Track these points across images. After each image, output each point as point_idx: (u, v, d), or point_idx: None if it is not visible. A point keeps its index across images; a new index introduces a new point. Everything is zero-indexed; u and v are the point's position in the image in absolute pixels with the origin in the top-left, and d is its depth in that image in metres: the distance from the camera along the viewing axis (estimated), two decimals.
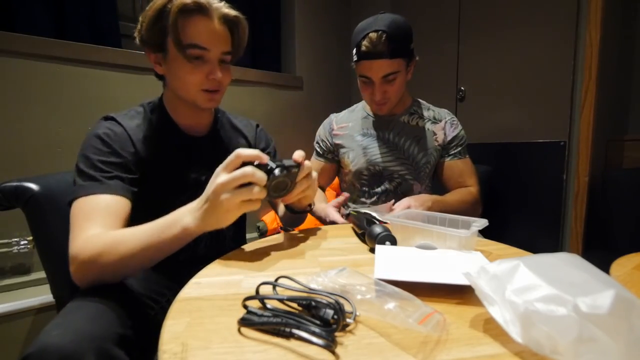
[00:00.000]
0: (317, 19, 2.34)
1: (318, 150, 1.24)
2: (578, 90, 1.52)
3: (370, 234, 0.62)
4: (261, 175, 0.57)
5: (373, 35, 0.96)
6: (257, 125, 1.00)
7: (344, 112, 1.25)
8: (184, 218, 0.58)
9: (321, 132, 1.24)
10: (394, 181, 1.11)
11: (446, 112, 1.17)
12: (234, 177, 0.56)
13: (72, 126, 1.41)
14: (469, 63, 1.84)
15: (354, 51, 1.01)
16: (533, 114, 1.64)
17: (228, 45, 0.79)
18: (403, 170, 1.11)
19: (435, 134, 1.13)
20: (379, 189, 1.12)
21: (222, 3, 0.78)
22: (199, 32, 0.74)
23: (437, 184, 1.18)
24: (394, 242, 0.61)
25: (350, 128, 1.19)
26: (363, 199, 1.15)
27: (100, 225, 0.62)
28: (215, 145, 0.88)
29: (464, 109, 1.86)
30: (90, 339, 0.47)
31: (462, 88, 1.85)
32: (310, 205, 0.82)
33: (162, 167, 0.79)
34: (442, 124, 1.14)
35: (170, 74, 0.79)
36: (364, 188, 1.15)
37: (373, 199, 1.13)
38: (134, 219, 0.66)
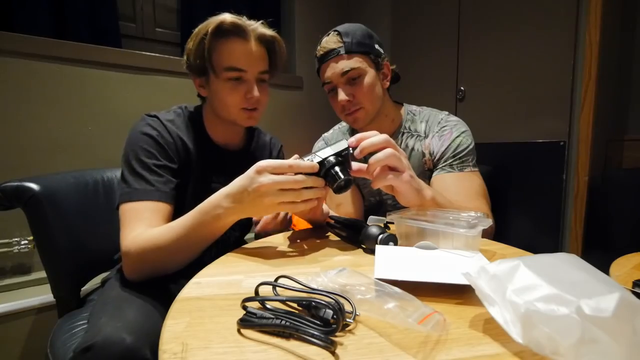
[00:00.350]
0: (317, 19, 2.34)
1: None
2: (578, 90, 1.52)
3: (369, 236, 0.62)
4: (315, 181, 0.61)
5: (326, 38, 0.94)
6: (281, 146, 1.06)
7: (335, 131, 1.13)
8: (221, 205, 0.62)
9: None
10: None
11: (439, 121, 0.98)
12: (281, 180, 0.58)
13: (72, 126, 1.41)
14: (469, 63, 1.84)
15: (316, 67, 0.98)
16: (533, 114, 1.64)
17: (265, 65, 0.82)
18: (399, 204, 0.91)
19: (424, 155, 0.97)
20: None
21: (258, 23, 0.81)
22: (236, 55, 0.77)
23: None
24: (395, 241, 0.61)
25: None
26: None
27: (149, 225, 0.67)
28: (248, 159, 0.84)
29: (464, 109, 1.86)
30: (147, 333, 0.51)
31: (462, 88, 1.85)
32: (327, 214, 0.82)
33: (198, 177, 0.83)
34: (428, 140, 0.96)
35: (212, 96, 0.83)
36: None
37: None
38: None
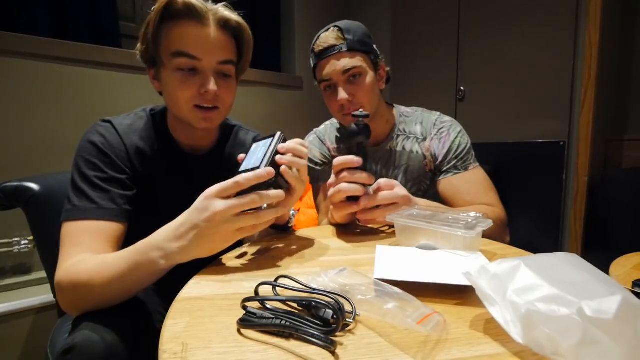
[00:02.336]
0: (317, 19, 2.34)
1: (315, 175, 1.05)
2: (578, 90, 1.53)
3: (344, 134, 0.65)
4: (276, 195, 0.53)
5: (325, 33, 0.89)
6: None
7: (327, 127, 1.09)
8: (163, 248, 0.51)
9: (315, 152, 1.06)
10: None
11: (433, 122, 0.98)
12: (237, 204, 0.50)
13: (72, 126, 1.42)
14: (469, 63, 1.84)
15: (311, 60, 0.93)
16: (533, 114, 1.65)
17: (228, 54, 0.69)
18: None
19: (424, 156, 0.97)
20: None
21: (220, 5, 0.69)
22: (187, 39, 0.65)
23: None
24: (366, 133, 0.66)
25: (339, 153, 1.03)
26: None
27: (87, 250, 0.58)
28: (216, 163, 0.81)
29: (464, 109, 1.86)
30: (129, 332, 0.50)
31: (462, 88, 1.85)
32: (288, 222, 0.76)
33: (160, 185, 0.73)
34: (428, 142, 0.97)
35: (163, 90, 0.71)
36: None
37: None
38: (129, 238, 0.62)
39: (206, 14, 0.66)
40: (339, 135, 1.06)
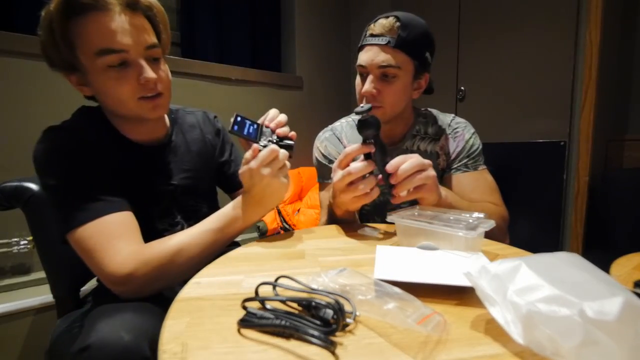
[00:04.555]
0: (317, 19, 2.34)
1: (327, 174, 1.01)
2: (578, 90, 1.52)
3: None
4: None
5: (384, 19, 0.84)
6: (215, 117, 0.93)
7: (342, 124, 1.07)
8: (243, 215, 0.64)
9: (330, 149, 1.02)
10: None
11: (448, 123, 1.00)
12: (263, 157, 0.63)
13: None
14: (469, 63, 1.84)
15: (360, 41, 0.89)
16: (533, 114, 1.64)
17: (151, 37, 0.65)
18: (405, 204, 0.96)
19: (438, 155, 0.97)
20: (380, 220, 0.99)
21: None
22: (104, 32, 0.60)
23: None
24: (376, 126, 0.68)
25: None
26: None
27: (131, 239, 0.59)
28: (174, 151, 0.79)
29: (464, 109, 1.86)
30: (145, 331, 0.49)
31: (462, 88, 1.85)
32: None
33: (126, 183, 0.69)
34: (441, 142, 0.97)
35: (98, 93, 0.67)
36: (365, 219, 1.02)
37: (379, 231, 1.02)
38: None
39: (111, 1, 0.60)
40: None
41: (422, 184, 0.69)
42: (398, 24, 0.82)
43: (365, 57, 0.85)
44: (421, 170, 0.69)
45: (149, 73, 0.63)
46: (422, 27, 0.86)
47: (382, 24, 0.84)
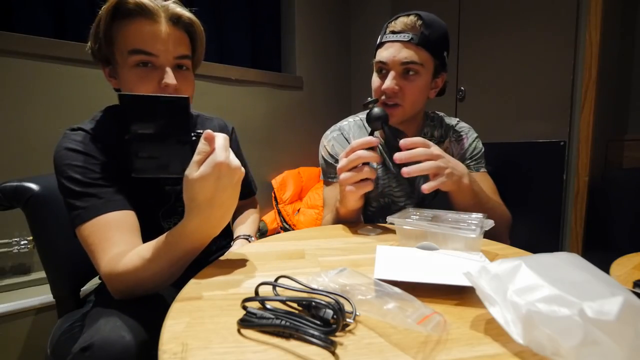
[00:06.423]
0: (317, 19, 2.34)
1: (333, 173, 1.00)
2: (578, 90, 1.53)
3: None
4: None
5: (405, 17, 0.84)
6: (233, 129, 0.96)
7: (350, 124, 1.05)
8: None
9: (337, 149, 1.00)
10: None
11: (453, 126, 1.01)
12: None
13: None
14: (469, 63, 1.84)
15: (379, 39, 0.88)
16: (533, 113, 1.64)
17: (184, 49, 0.71)
18: (410, 205, 0.98)
19: None
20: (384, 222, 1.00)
21: (170, 1, 0.69)
22: (142, 37, 0.66)
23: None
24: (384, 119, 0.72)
25: None
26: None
27: (119, 241, 0.60)
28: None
29: (464, 109, 1.86)
30: (147, 331, 0.50)
31: (462, 88, 1.85)
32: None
33: (136, 184, 0.69)
34: (446, 144, 0.99)
35: (122, 87, 0.71)
36: (369, 219, 1.03)
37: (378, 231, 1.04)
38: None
39: (158, 12, 0.67)
40: (367, 128, 1.03)
41: (436, 173, 0.69)
42: (420, 22, 0.83)
43: (386, 53, 0.84)
44: (431, 159, 0.69)
45: (171, 79, 0.67)
46: (444, 27, 0.87)
47: (404, 21, 0.83)
